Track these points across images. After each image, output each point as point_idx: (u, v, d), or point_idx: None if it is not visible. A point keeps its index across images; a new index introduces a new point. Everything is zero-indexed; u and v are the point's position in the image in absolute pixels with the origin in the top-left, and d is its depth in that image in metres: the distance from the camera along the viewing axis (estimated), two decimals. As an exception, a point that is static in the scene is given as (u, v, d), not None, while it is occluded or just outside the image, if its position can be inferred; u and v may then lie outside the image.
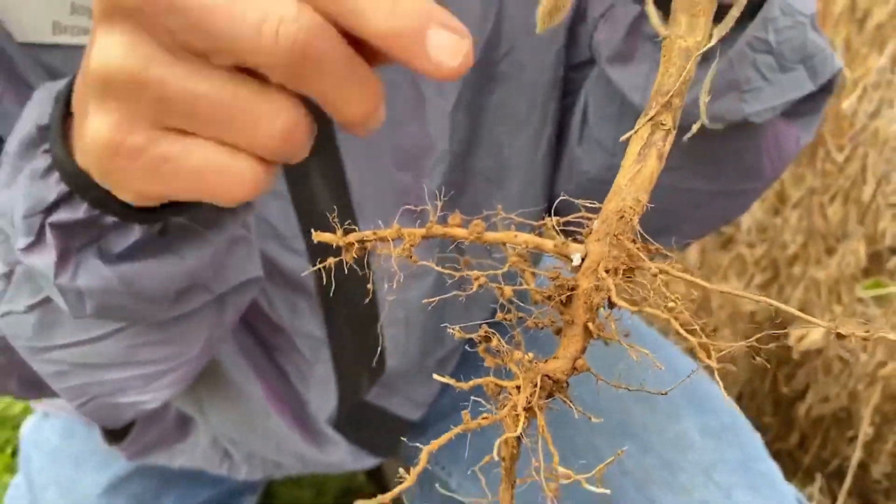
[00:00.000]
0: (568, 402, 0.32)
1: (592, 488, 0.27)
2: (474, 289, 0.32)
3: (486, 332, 0.31)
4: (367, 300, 0.63)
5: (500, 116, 0.63)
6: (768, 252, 1.18)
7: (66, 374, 0.49)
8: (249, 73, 0.28)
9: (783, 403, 1.26)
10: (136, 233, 0.39)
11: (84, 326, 0.46)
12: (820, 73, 0.52)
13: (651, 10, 0.34)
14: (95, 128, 0.30)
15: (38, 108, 0.39)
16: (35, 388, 0.56)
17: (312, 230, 0.33)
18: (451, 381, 0.31)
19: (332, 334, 0.65)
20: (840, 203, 1.09)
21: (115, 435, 0.75)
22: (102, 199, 0.36)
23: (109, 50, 0.29)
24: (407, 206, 0.61)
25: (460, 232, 0.34)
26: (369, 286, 0.37)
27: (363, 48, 0.29)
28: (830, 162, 1.08)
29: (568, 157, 0.65)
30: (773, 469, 0.70)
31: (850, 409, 1.16)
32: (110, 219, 0.38)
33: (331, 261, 0.34)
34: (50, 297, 0.43)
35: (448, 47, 0.28)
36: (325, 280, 0.59)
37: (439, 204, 0.33)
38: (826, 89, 0.54)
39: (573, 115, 0.64)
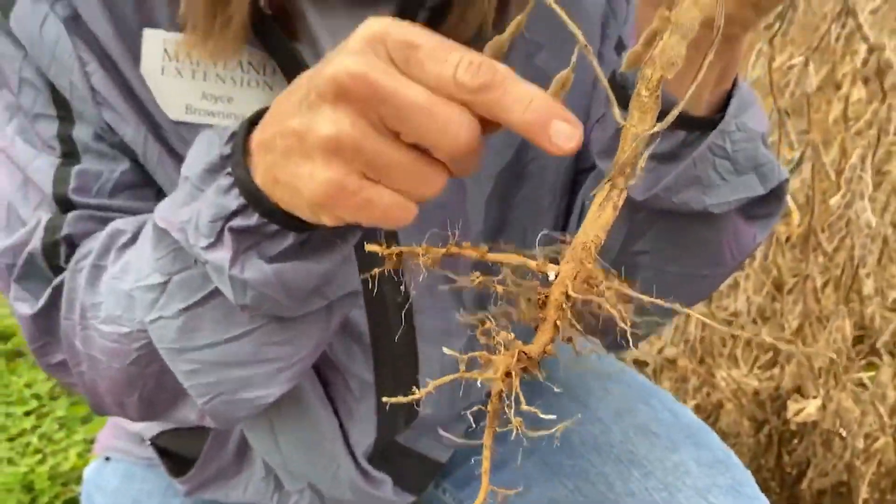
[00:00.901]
0: (539, 374, 0.45)
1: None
2: (473, 285, 0.45)
3: (482, 316, 0.44)
4: (409, 354, 0.76)
5: (525, 206, 0.76)
6: (768, 334, 1.28)
7: (199, 371, 0.58)
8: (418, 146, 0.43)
9: (788, 480, 1.33)
10: (289, 240, 0.51)
11: (222, 328, 0.56)
12: (769, 179, 0.63)
13: (615, 109, 0.48)
14: (325, 175, 0.43)
15: (207, 145, 0.52)
16: (151, 407, 0.65)
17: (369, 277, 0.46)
18: (455, 354, 0.44)
19: (379, 380, 0.77)
20: (832, 288, 1.20)
21: (178, 469, 0.86)
22: (270, 211, 0.48)
23: (341, 123, 0.41)
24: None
25: (471, 252, 0.47)
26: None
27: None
28: (821, 251, 1.20)
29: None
30: (762, 498, 0.79)
31: (849, 483, 1.23)
32: (273, 227, 0.50)
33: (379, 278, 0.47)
34: (197, 303, 0.56)
35: (565, 133, 0.41)
36: (378, 333, 0.72)
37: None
38: (777, 196, 0.66)
39: (575, 206, 0.78)
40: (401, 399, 0.45)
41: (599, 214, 0.47)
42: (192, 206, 0.52)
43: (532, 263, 0.47)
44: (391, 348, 0.75)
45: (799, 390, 1.22)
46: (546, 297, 0.46)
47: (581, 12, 0.71)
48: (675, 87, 0.56)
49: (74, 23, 0.61)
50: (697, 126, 0.60)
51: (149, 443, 0.88)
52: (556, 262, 0.46)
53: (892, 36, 1.09)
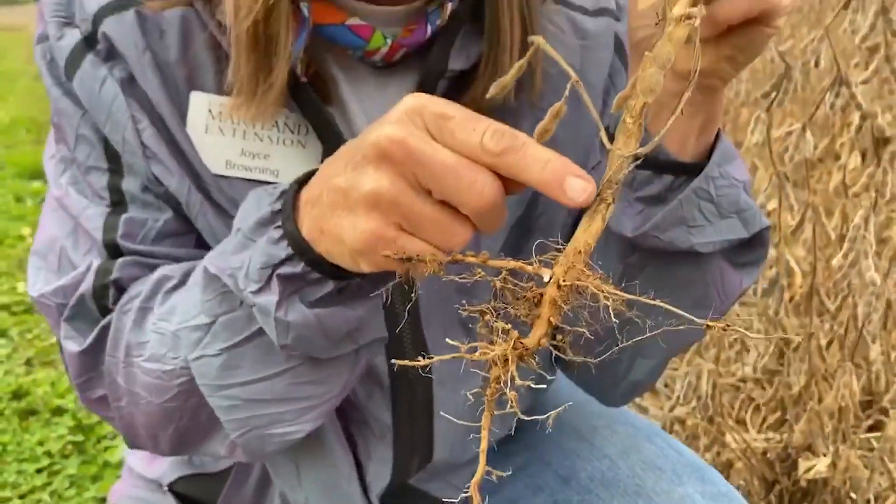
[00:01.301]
0: (533, 363, 0.49)
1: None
2: (475, 278, 0.50)
3: (482, 308, 0.49)
4: (425, 397, 0.80)
5: (535, 256, 0.81)
6: (776, 394, 1.31)
7: (236, 407, 0.63)
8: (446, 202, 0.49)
9: (800, 543, 1.32)
10: (328, 286, 0.56)
11: (260, 366, 0.61)
12: (750, 224, 0.69)
13: (603, 135, 0.54)
14: (366, 226, 0.49)
15: (258, 200, 0.58)
16: (183, 440, 0.68)
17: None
18: (458, 344, 0.49)
19: (397, 423, 0.81)
20: (837, 346, 1.23)
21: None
22: (314, 261, 0.54)
23: (381, 181, 0.48)
24: (459, 321, 0.79)
25: (474, 259, 0.52)
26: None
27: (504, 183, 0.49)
28: (825, 310, 1.23)
29: None
30: None
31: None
32: (315, 275, 0.55)
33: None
34: (239, 343, 0.60)
35: (578, 187, 0.47)
36: (396, 377, 0.76)
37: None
38: (760, 243, 0.72)
39: None
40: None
41: (589, 224, 0.53)
42: (243, 254, 0.57)
43: (528, 267, 0.52)
44: (408, 392, 0.79)
45: (809, 448, 1.23)
46: (541, 295, 0.51)
47: (585, 82, 0.79)
48: (663, 137, 0.64)
49: (129, 85, 0.67)
50: (684, 171, 0.66)
51: (166, 488, 0.91)
52: (550, 267, 0.52)
53: (882, 104, 1.16)
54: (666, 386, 1.60)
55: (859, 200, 1.10)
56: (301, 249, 0.54)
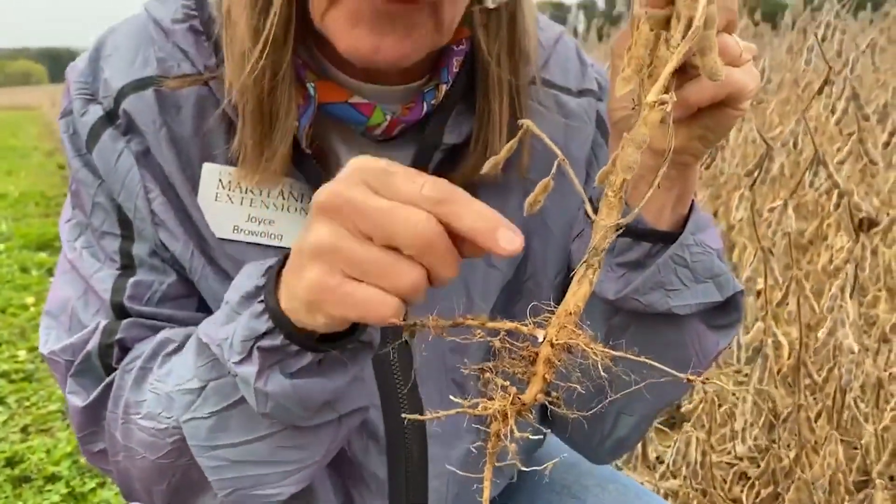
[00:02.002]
0: (530, 416, 0.53)
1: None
2: (476, 339, 0.54)
3: (482, 366, 0.53)
4: (421, 454, 0.82)
5: (524, 318, 0.85)
6: (767, 467, 1.32)
7: (223, 468, 0.66)
8: (393, 248, 0.51)
9: None
10: (307, 358, 0.58)
11: (246, 430, 0.63)
12: (725, 288, 0.73)
13: (588, 207, 0.59)
14: (310, 275, 0.51)
15: (248, 277, 0.60)
16: (176, 495, 0.71)
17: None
18: (462, 402, 0.52)
19: (392, 478, 0.83)
20: (825, 418, 1.26)
21: None
22: (292, 335, 0.56)
23: (321, 232, 0.50)
24: (453, 380, 0.82)
25: (473, 322, 0.57)
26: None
27: (459, 246, 0.51)
28: (812, 383, 1.27)
29: None
30: None
31: None
32: (294, 347, 0.57)
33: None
34: (227, 407, 0.62)
35: (509, 239, 0.49)
36: (392, 434, 0.79)
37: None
38: (734, 307, 0.76)
39: None
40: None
41: (578, 288, 0.57)
42: (229, 326, 0.60)
43: (524, 328, 0.56)
44: (404, 448, 0.82)
45: (800, 521, 1.24)
46: (536, 354, 0.55)
47: (569, 156, 0.85)
48: (642, 208, 0.68)
49: (144, 157, 0.72)
50: (661, 239, 0.71)
51: None
52: (543, 328, 0.56)
53: (864, 187, 1.22)
54: (658, 459, 1.61)
55: (844, 274, 1.15)
56: (280, 323, 0.57)
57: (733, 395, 1.28)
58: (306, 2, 0.67)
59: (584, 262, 0.57)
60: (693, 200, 0.74)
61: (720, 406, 1.37)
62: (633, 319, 0.74)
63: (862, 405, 1.33)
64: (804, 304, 1.21)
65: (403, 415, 0.55)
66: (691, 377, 0.55)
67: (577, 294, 0.57)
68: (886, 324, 1.45)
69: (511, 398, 0.53)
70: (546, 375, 0.55)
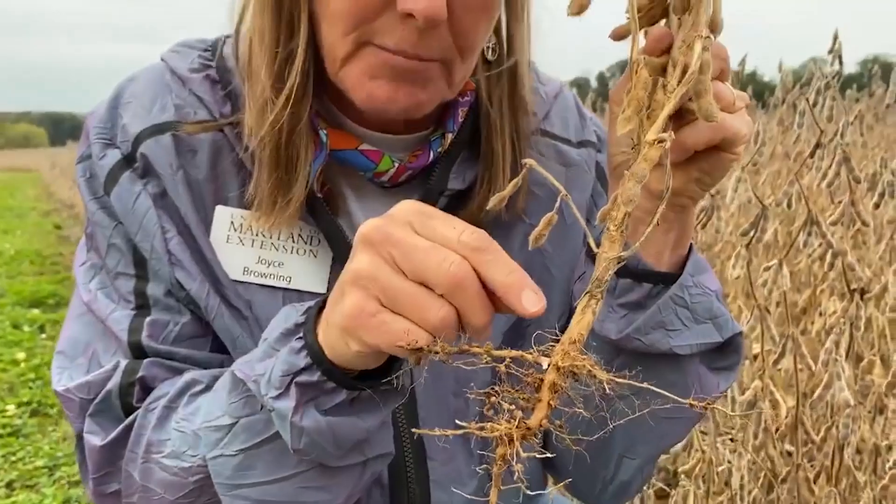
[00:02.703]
0: (534, 442, 0.54)
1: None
2: (481, 365, 0.55)
3: (488, 391, 0.54)
4: (423, 499, 0.82)
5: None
6: (768, 526, 1.31)
7: None
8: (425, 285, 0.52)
9: None
10: (341, 396, 0.60)
11: (272, 469, 0.64)
12: (724, 329, 0.75)
13: (591, 241, 0.61)
14: (349, 301, 0.53)
15: (286, 316, 0.62)
16: None
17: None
18: (469, 425, 0.53)
19: None
20: (824, 478, 1.25)
21: None
22: (330, 371, 0.58)
23: (361, 262, 0.53)
24: (458, 423, 0.83)
25: (479, 349, 0.58)
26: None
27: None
28: (810, 441, 1.27)
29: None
30: None
31: None
32: (330, 384, 0.59)
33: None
34: (256, 445, 0.63)
35: (532, 300, 0.52)
36: (395, 479, 0.79)
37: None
38: (733, 349, 0.77)
39: None
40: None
41: (581, 318, 0.59)
42: (267, 362, 0.62)
43: (528, 356, 0.58)
44: (406, 492, 0.82)
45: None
46: (541, 380, 0.56)
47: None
48: (641, 251, 0.72)
49: (161, 199, 0.75)
50: (661, 280, 0.73)
51: None
52: (547, 356, 0.58)
53: (857, 254, 1.25)
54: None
55: (839, 328, 1.17)
56: (318, 359, 0.58)
57: (731, 452, 1.28)
58: (321, 55, 0.72)
59: (587, 292, 0.59)
60: (691, 244, 0.76)
61: (718, 466, 1.37)
62: (635, 360, 0.75)
63: (859, 474, 1.33)
64: (801, 363, 1.22)
65: (413, 429, 0.55)
66: (694, 401, 0.56)
67: (580, 323, 0.59)
68: (882, 389, 1.46)
69: (517, 422, 0.54)
70: (551, 402, 0.56)
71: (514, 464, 0.52)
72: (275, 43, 0.70)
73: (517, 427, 0.54)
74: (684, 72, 0.62)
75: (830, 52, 1.42)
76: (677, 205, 0.71)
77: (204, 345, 0.77)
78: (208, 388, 0.70)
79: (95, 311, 0.76)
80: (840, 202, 1.22)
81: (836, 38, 1.47)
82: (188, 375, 0.72)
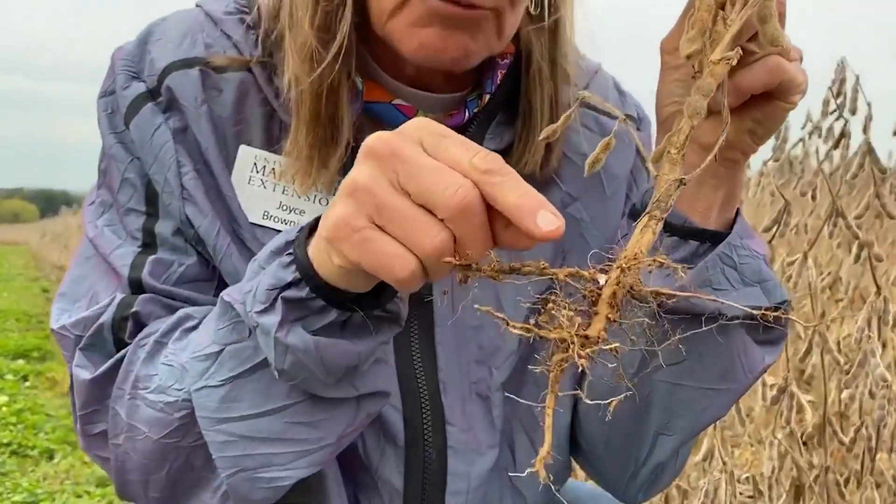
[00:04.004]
0: (591, 354, 0.50)
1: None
2: (534, 278, 0.52)
3: (546, 297, 0.51)
4: (440, 466, 0.78)
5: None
6: (796, 535, 1.26)
7: (231, 444, 0.62)
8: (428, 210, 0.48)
9: None
10: (331, 315, 0.57)
11: (259, 402, 0.61)
12: (772, 294, 0.71)
13: (650, 165, 0.59)
14: (338, 210, 0.50)
15: (281, 237, 0.59)
16: (174, 487, 0.68)
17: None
18: (529, 325, 0.50)
19: (407, 489, 0.78)
20: (855, 485, 1.21)
21: None
22: (319, 288, 0.55)
23: (361, 173, 0.50)
24: (478, 393, 0.79)
25: (530, 268, 0.54)
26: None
27: (496, 232, 0.49)
28: (839, 443, 1.22)
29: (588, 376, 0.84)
30: None
31: None
32: (320, 302, 0.56)
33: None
34: (242, 374, 0.60)
35: (550, 221, 0.47)
36: (411, 438, 0.75)
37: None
38: (781, 323, 0.70)
39: None
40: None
41: (641, 237, 0.56)
42: (255, 280, 0.59)
43: (585, 273, 0.54)
44: (423, 458, 0.78)
45: None
46: (598, 295, 0.53)
47: (609, 173, 0.86)
48: (688, 209, 0.70)
49: (182, 134, 0.73)
50: (709, 238, 0.70)
51: None
52: (605, 272, 0.54)
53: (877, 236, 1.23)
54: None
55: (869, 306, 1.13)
56: (307, 275, 0.56)
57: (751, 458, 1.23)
58: (363, 7, 0.71)
59: (647, 213, 0.57)
60: (738, 208, 0.74)
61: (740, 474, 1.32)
62: (677, 327, 0.72)
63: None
64: (828, 358, 1.19)
65: (477, 307, 0.50)
66: (763, 310, 0.53)
67: (640, 241, 0.56)
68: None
69: (576, 327, 0.50)
70: (609, 315, 0.52)
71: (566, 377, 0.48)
72: None
73: (577, 333, 0.50)
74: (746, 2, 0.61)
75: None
76: (728, 158, 0.69)
77: (207, 289, 0.74)
78: (201, 323, 0.67)
79: (99, 247, 0.74)
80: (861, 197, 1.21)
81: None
82: (182, 311, 0.70)
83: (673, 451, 0.80)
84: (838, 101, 1.20)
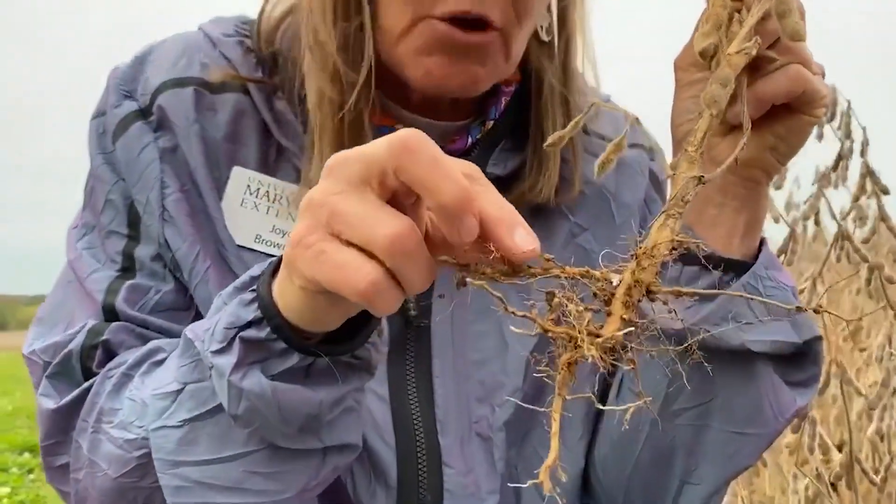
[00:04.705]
0: (601, 355, 0.44)
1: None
2: (544, 275, 0.47)
3: (552, 290, 0.46)
4: None
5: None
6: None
7: (187, 490, 0.58)
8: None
9: None
10: (292, 360, 0.53)
11: (217, 447, 0.57)
12: (802, 330, 0.67)
13: (666, 165, 0.55)
14: (294, 229, 0.48)
15: (247, 274, 0.56)
16: None
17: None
18: (538, 319, 0.44)
19: None
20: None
21: None
22: (280, 328, 0.52)
23: (315, 190, 0.47)
24: (478, 433, 0.73)
25: (535, 269, 0.49)
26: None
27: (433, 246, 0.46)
28: (869, 482, 1.15)
29: (607, 415, 0.78)
30: None
31: None
32: (280, 345, 0.52)
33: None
34: (201, 415, 0.57)
35: (526, 238, 0.45)
36: (406, 479, 0.69)
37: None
38: (812, 360, 0.69)
39: (615, 378, 0.78)
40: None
41: (658, 234, 0.52)
42: (216, 316, 0.56)
43: (596, 272, 0.50)
44: (417, 500, 0.71)
45: None
46: (612, 294, 0.48)
47: (618, 202, 0.83)
48: (709, 235, 0.67)
49: (170, 153, 0.71)
50: (732, 268, 0.66)
51: None
52: (618, 273, 0.49)
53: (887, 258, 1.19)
54: None
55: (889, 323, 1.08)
56: (268, 313, 0.52)
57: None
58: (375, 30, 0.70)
59: (664, 211, 0.53)
60: (763, 238, 0.71)
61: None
62: (699, 366, 0.67)
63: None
64: (848, 390, 1.13)
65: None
66: (800, 306, 0.47)
67: (659, 235, 0.52)
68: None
69: (586, 322, 0.45)
70: (624, 315, 0.47)
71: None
72: (339, 16, 0.69)
73: (587, 332, 0.45)
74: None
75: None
76: (749, 179, 0.66)
77: (184, 318, 0.70)
78: (168, 357, 0.63)
79: (77, 271, 0.71)
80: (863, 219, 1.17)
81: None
82: (153, 343, 0.66)
83: (700, 501, 0.73)
84: (832, 125, 1.19)
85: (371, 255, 0.45)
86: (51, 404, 0.67)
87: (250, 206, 0.72)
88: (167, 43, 0.77)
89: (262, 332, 0.52)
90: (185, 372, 0.57)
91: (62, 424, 0.66)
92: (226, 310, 0.55)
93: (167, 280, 0.71)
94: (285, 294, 0.51)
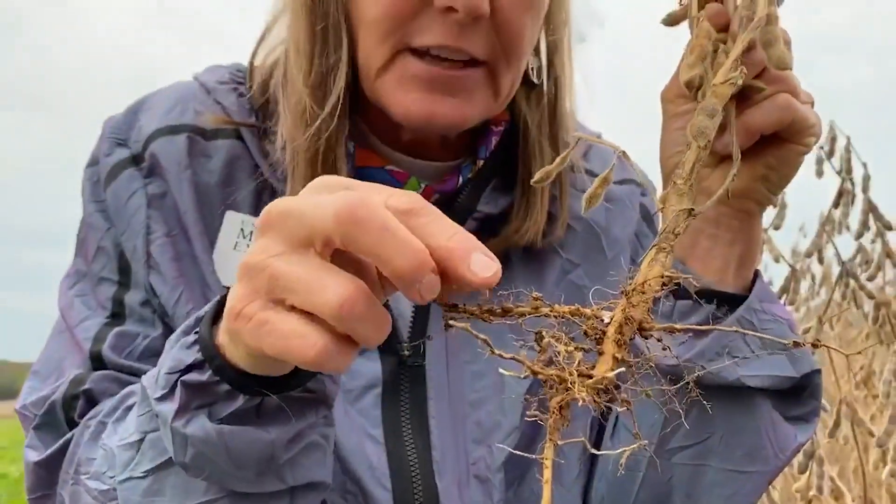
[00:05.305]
0: (594, 397, 0.43)
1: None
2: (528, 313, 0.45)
3: (540, 330, 0.44)
4: None
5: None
6: None
7: None
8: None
9: None
10: (238, 402, 0.50)
11: (181, 496, 0.54)
12: (799, 363, 0.65)
13: (656, 196, 0.54)
14: (231, 297, 0.45)
15: (194, 316, 0.53)
16: None
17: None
18: (526, 362, 0.43)
19: None
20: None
21: None
22: (223, 370, 0.49)
23: (252, 250, 0.44)
24: (476, 475, 0.71)
25: (523, 308, 0.48)
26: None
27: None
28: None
29: (603, 455, 0.75)
30: None
31: None
32: (224, 387, 0.49)
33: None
34: (162, 465, 0.54)
35: (484, 264, 0.41)
36: None
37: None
38: (811, 394, 0.68)
39: (610, 416, 0.76)
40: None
41: (649, 270, 0.51)
42: (161, 361, 0.54)
43: (588, 311, 0.48)
44: None
45: None
46: (603, 332, 0.47)
47: (609, 237, 0.82)
48: (702, 268, 0.66)
49: (159, 200, 0.71)
50: (726, 301, 0.65)
51: None
52: (609, 310, 0.48)
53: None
54: None
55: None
56: (209, 356, 0.49)
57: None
58: (357, 69, 0.69)
59: (655, 245, 0.52)
60: (758, 270, 0.69)
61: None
62: (695, 403, 0.64)
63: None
64: (859, 431, 1.10)
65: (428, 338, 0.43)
66: (798, 341, 0.46)
67: (648, 274, 0.50)
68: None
69: (576, 362, 0.43)
70: (616, 355, 0.46)
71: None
72: (316, 53, 0.68)
73: (578, 373, 0.43)
74: (749, 21, 0.58)
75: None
76: (742, 210, 0.65)
77: None
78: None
79: (67, 319, 0.71)
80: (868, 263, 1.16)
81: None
82: (128, 388, 0.64)
83: None
84: (832, 161, 1.18)
85: (317, 319, 0.42)
86: (35, 457, 0.65)
87: (243, 249, 0.71)
88: (162, 92, 0.77)
89: (204, 376, 0.49)
90: (143, 422, 0.55)
91: (46, 478, 0.65)
92: (170, 354, 0.52)
93: (156, 326, 0.70)
94: (229, 349, 0.49)
